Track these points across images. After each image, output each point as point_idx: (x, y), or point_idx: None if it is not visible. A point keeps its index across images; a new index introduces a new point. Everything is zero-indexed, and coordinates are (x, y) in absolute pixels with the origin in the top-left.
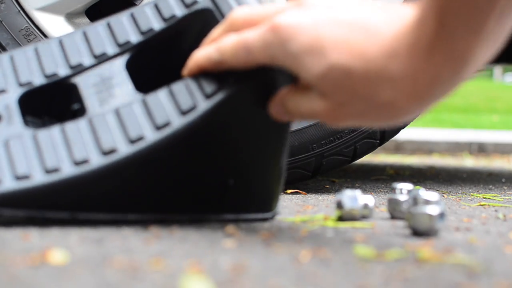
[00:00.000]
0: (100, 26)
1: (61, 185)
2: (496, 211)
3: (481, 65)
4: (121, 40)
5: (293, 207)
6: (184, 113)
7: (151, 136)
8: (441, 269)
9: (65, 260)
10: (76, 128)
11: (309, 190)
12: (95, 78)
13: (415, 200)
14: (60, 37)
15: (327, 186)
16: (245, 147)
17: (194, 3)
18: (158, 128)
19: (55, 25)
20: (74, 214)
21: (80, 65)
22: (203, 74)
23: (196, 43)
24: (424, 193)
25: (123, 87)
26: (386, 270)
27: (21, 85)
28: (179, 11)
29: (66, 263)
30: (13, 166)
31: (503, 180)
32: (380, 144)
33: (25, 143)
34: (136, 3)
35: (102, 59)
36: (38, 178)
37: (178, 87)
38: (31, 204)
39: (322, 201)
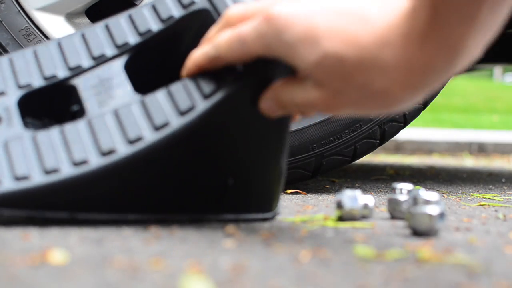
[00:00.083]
0: (98, 28)
1: (60, 185)
2: (496, 211)
3: (475, 54)
4: (120, 41)
5: (293, 207)
6: (182, 113)
7: (150, 136)
8: (441, 269)
9: (65, 260)
10: (75, 129)
11: (309, 190)
12: (94, 80)
13: (415, 200)
14: (58, 39)
15: (327, 186)
16: (244, 147)
17: (192, 3)
18: (157, 128)
19: (55, 25)
20: (73, 214)
21: (79, 67)
22: (201, 74)
23: (194, 44)
24: (424, 193)
25: (122, 88)
26: (386, 270)
27: (20, 87)
28: (177, 12)
29: (66, 263)
30: (12, 167)
31: (503, 180)
32: (380, 144)
33: (24, 144)
34: (136, 3)
35: (100, 60)
36: (38, 178)
37: (176, 87)
38: (30, 204)
39: (322, 201)
